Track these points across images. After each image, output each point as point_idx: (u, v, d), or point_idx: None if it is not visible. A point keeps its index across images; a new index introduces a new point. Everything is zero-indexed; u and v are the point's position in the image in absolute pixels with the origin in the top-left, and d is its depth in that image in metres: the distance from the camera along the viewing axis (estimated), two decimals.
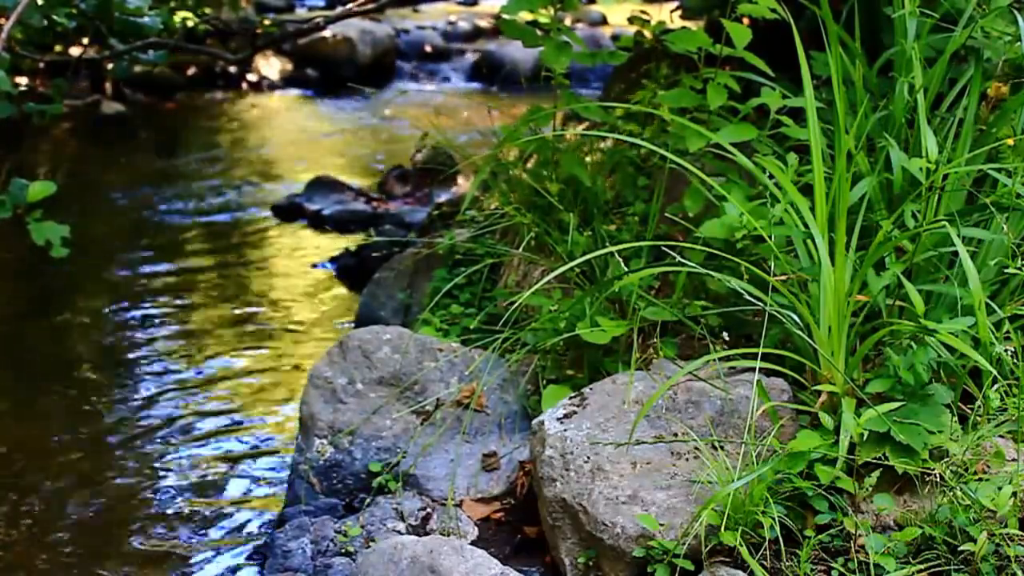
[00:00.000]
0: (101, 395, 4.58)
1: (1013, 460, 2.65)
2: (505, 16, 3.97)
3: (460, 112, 8.17)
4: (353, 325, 4.77)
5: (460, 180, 6.20)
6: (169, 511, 3.74)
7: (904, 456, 2.63)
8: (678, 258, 3.04)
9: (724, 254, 3.05)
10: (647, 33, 4.41)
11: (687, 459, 2.84)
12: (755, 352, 2.77)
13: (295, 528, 3.22)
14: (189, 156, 8.38)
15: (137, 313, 5.40)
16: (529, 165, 4.07)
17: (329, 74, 10.57)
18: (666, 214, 3.58)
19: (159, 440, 4.22)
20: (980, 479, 2.59)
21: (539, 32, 3.93)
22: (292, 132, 9.13)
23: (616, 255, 3.22)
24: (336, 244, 6.35)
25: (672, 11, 5.09)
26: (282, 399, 4.54)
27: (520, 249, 3.83)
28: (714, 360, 2.91)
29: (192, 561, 3.46)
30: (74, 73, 8.67)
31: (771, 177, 3.15)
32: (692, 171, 3.17)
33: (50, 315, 5.35)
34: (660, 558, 2.64)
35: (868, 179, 3.15)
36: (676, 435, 2.89)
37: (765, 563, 2.59)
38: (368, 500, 3.29)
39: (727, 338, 3.15)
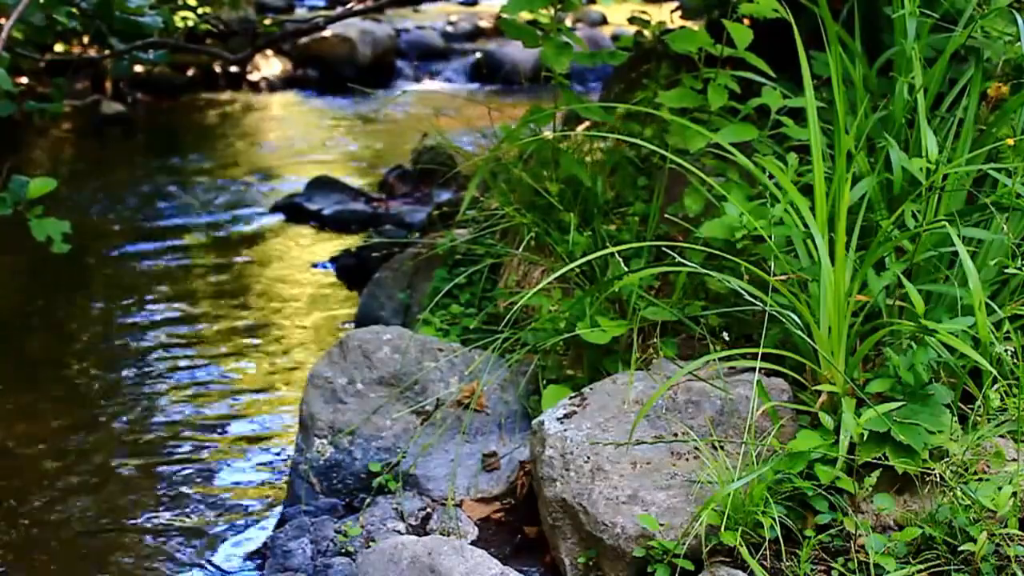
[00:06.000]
0: (101, 395, 4.58)
1: (1013, 460, 2.65)
2: (505, 16, 3.97)
3: (460, 112, 8.17)
4: (353, 325, 4.77)
5: (460, 180, 6.20)
6: (169, 511, 3.74)
7: (904, 456, 2.63)
8: (678, 258, 3.04)
9: (724, 254, 3.05)
10: (647, 33, 4.41)
11: (687, 459, 2.84)
12: (755, 352, 2.77)
13: (295, 528, 3.22)
14: (189, 156, 8.38)
15: (137, 312, 5.40)
16: (529, 165, 4.07)
17: (329, 74, 10.57)
18: (666, 214, 3.58)
19: (158, 439, 4.22)
20: (980, 479, 2.59)
21: (539, 32, 3.92)
22: (292, 132, 9.14)
23: (616, 255, 3.21)
24: (336, 244, 6.35)
25: (672, 11, 5.09)
26: (282, 399, 4.54)
27: (520, 249, 3.83)
28: (714, 360, 2.91)
29: (192, 561, 3.46)
30: (74, 73, 8.68)
31: (771, 177, 3.15)
32: (692, 171, 3.17)
33: (50, 314, 5.35)
34: (660, 558, 2.64)
35: (868, 179, 3.15)
36: (676, 435, 2.89)
37: (765, 563, 2.59)
38: (368, 500, 3.29)
39: (727, 338, 3.15)
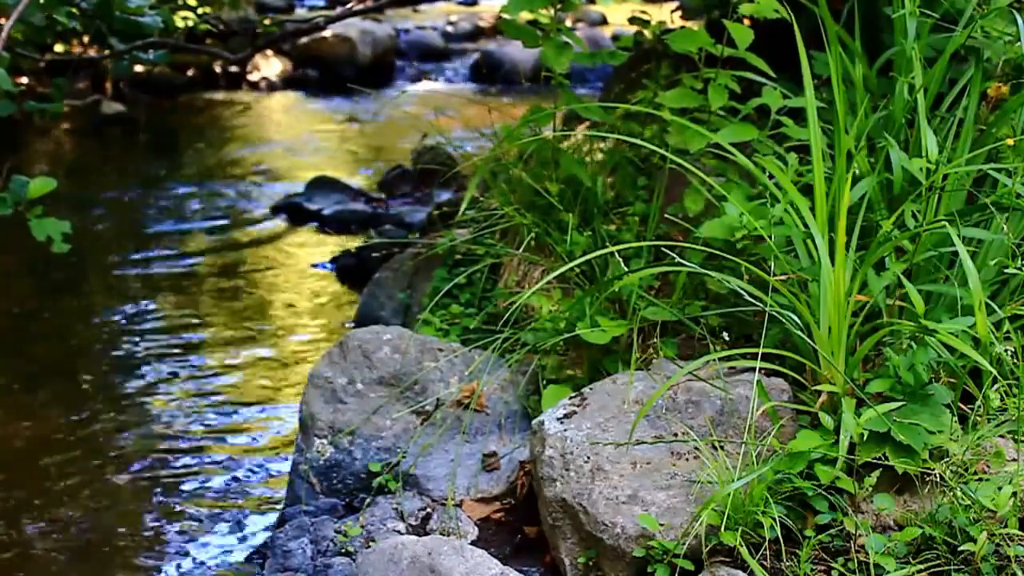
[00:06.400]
0: (101, 395, 4.58)
1: (1013, 460, 2.65)
2: (505, 16, 3.97)
3: (460, 112, 8.17)
4: (353, 325, 4.77)
5: (460, 180, 6.20)
6: (169, 511, 3.74)
7: (904, 456, 2.63)
8: (678, 258, 3.04)
9: (724, 254, 3.05)
10: (647, 33, 4.41)
11: (687, 459, 2.84)
12: (755, 352, 2.77)
13: (295, 528, 3.22)
14: (189, 156, 8.39)
15: (137, 313, 5.40)
16: (529, 165, 4.07)
17: (329, 74, 10.57)
18: (666, 214, 3.58)
19: (159, 439, 4.22)
20: (980, 479, 2.59)
21: (539, 32, 3.93)
22: (292, 132, 9.13)
23: (616, 255, 3.21)
24: (336, 244, 6.36)
25: (672, 11, 5.09)
26: (282, 399, 4.54)
27: (520, 249, 3.83)
28: (714, 360, 2.91)
29: (192, 561, 3.46)
30: (74, 73, 8.68)
31: (771, 177, 3.15)
32: (692, 171, 3.17)
33: (50, 314, 5.35)
34: (660, 558, 2.63)
35: (868, 179, 3.15)
36: (676, 435, 2.89)
37: (765, 563, 2.59)
38: (368, 500, 3.29)
39: (727, 338, 3.15)
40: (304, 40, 10.53)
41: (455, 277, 4.05)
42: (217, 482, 3.93)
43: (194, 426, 4.33)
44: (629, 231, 3.78)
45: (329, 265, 6.04)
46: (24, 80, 8.25)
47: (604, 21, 12.67)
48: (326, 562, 3.09)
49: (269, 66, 10.70)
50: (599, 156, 4.20)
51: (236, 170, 7.94)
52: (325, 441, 3.43)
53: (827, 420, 2.71)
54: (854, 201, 3.07)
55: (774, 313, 2.86)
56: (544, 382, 3.41)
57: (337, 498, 3.39)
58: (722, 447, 2.84)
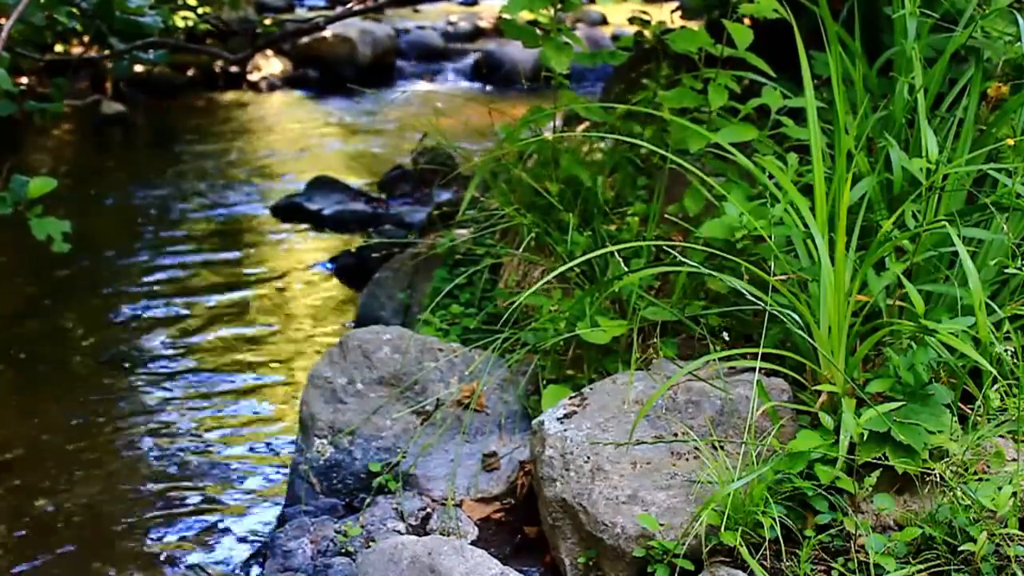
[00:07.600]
0: (101, 395, 4.58)
1: (1013, 460, 2.65)
2: (505, 16, 3.97)
3: (460, 112, 8.17)
4: (353, 325, 4.77)
5: (460, 180, 6.20)
6: (169, 510, 3.74)
7: (904, 456, 2.63)
8: (678, 258, 3.04)
9: (724, 254, 3.05)
10: (647, 33, 4.40)
11: (687, 459, 2.84)
12: (755, 352, 2.77)
13: (295, 528, 3.22)
14: (189, 156, 8.38)
15: (136, 313, 5.40)
16: (529, 165, 4.07)
17: (329, 74, 10.57)
18: (666, 214, 3.58)
19: (158, 440, 4.22)
20: (980, 479, 2.59)
21: (539, 32, 3.92)
22: (292, 132, 9.13)
23: (616, 255, 3.21)
24: (336, 244, 6.36)
25: (672, 11, 5.08)
26: (282, 399, 4.54)
27: (520, 249, 3.83)
28: (714, 360, 2.91)
29: (192, 561, 3.46)
30: (74, 73, 8.68)
31: (771, 177, 3.15)
32: (692, 171, 3.17)
33: (50, 315, 5.35)
34: (660, 558, 2.64)
35: (868, 179, 3.15)
36: (676, 435, 2.89)
37: (765, 563, 2.59)
38: (368, 500, 3.29)
39: (727, 338, 3.15)
40: (304, 40, 10.53)
41: (455, 277, 4.05)
42: (217, 482, 3.93)
43: (194, 426, 4.33)
44: (629, 231, 3.78)
45: (329, 265, 6.04)
46: (24, 80, 8.25)
47: (604, 21, 12.67)
48: (326, 562, 3.09)
49: (269, 66, 10.70)
50: (599, 156, 4.20)
51: (236, 170, 7.94)
52: (325, 441, 3.43)
53: (827, 420, 2.71)
54: (854, 201, 3.07)
55: (774, 313, 2.86)
56: (544, 382, 3.41)
57: (337, 498, 3.39)
58: (722, 447, 2.84)
